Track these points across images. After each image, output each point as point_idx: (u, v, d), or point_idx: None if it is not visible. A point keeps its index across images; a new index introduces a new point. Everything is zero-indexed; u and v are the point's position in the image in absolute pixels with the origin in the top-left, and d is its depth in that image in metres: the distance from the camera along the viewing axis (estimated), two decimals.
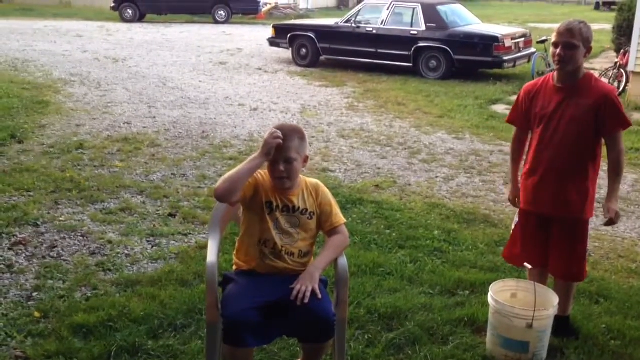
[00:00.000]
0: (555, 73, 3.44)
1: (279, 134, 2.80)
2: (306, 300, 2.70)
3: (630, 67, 10.58)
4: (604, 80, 10.94)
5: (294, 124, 3.12)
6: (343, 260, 2.99)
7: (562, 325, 3.58)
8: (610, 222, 3.42)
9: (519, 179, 3.69)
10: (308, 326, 2.77)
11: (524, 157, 3.67)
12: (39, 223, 5.02)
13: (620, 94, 10.84)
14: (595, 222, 5.50)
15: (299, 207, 2.94)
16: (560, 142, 3.38)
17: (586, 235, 3.59)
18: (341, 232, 3.01)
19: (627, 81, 10.87)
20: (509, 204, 3.88)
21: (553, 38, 3.35)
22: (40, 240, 4.73)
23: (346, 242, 3.06)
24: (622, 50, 12.01)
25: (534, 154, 3.52)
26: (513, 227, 3.78)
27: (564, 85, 3.40)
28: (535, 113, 3.47)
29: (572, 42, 3.27)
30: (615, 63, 11.62)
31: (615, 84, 11.19)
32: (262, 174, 2.95)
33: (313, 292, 2.73)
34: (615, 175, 3.44)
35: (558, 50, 3.30)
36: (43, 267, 4.29)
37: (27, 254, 4.50)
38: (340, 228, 3.02)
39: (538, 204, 3.54)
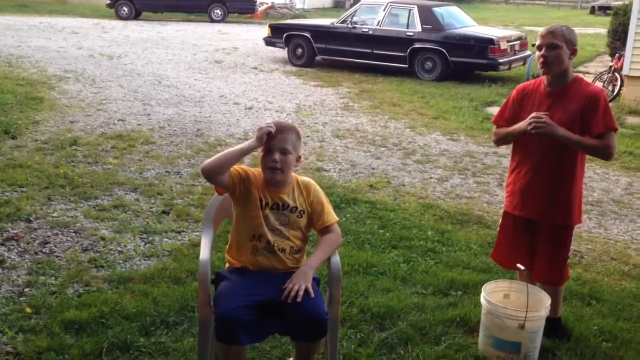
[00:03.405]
0: (545, 77, 3.45)
1: (272, 124, 2.86)
2: (299, 299, 2.70)
3: (624, 71, 10.63)
4: (599, 84, 10.99)
5: (291, 123, 3.13)
6: (336, 259, 2.98)
7: (554, 326, 3.58)
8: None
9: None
10: (301, 324, 2.76)
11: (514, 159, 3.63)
12: (31, 219, 5.00)
13: (614, 97, 10.89)
14: (588, 225, 5.54)
15: (288, 205, 2.94)
16: (548, 146, 3.36)
17: (570, 240, 3.59)
18: (333, 230, 3.01)
19: (622, 85, 10.92)
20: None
21: (537, 42, 3.36)
22: (32, 236, 4.71)
23: (339, 241, 3.06)
24: (616, 54, 12.08)
25: (523, 158, 3.51)
26: (498, 229, 3.78)
27: (553, 89, 3.40)
28: (524, 115, 3.44)
29: (554, 42, 3.28)
30: (610, 67, 11.66)
31: (610, 88, 11.24)
32: (255, 172, 2.96)
33: (306, 291, 2.73)
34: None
35: (542, 52, 3.32)
36: (35, 263, 4.27)
37: (19, 249, 4.49)
38: (333, 227, 3.01)
39: (525, 209, 3.53)
